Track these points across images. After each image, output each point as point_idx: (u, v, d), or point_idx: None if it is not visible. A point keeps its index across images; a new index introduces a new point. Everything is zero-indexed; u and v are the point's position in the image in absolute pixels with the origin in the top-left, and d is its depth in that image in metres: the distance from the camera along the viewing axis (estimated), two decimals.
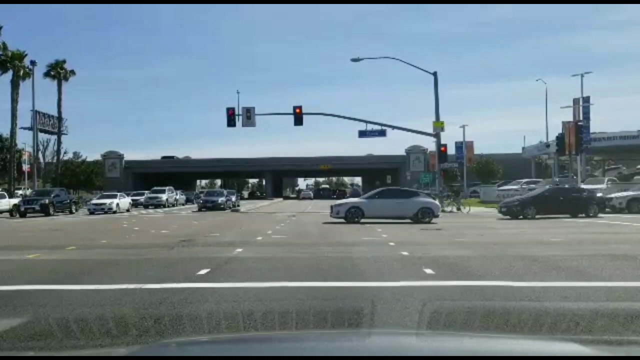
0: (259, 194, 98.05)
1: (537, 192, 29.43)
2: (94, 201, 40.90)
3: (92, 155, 77.50)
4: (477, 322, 5.68)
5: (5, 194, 40.26)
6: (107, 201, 39.66)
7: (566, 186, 32.66)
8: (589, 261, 10.37)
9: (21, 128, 52.79)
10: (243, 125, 35.01)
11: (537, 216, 25.85)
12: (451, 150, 47.86)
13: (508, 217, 26.30)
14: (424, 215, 24.05)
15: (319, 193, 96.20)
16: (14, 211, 36.02)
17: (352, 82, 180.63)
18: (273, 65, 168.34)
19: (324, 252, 12.57)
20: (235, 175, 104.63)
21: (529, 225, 21.46)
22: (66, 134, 60.50)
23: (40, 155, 63.11)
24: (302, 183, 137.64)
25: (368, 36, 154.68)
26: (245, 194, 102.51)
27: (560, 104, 54.15)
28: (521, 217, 25.95)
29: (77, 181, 56.59)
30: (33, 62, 49.62)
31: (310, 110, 37.04)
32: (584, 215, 25.89)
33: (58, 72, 55.98)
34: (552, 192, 28.75)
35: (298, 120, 34.89)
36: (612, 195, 29.65)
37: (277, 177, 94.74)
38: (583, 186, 32.38)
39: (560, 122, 39.49)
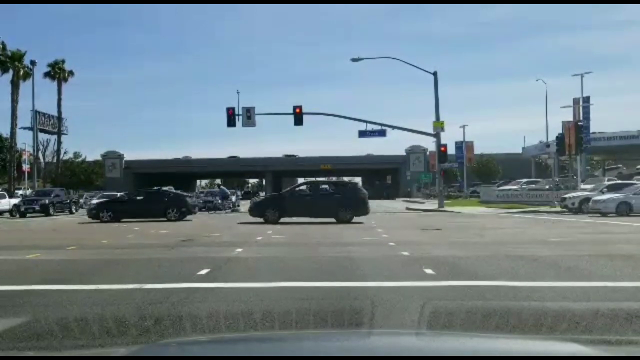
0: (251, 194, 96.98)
1: (118, 197, 32.13)
2: (95, 201, 40.89)
3: (92, 155, 77.45)
4: (477, 322, 5.67)
5: (5, 194, 40.25)
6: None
7: (153, 190, 33.73)
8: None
9: (21, 128, 52.91)
10: (243, 125, 35.03)
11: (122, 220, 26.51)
12: (451, 150, 47.91)
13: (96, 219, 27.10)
14: None
15: None
16: (14, 211, 36.01)
17: (352, 82, 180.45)
18: (273, 65, 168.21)
19: (324, 252, 12.56)
20: (235, 175, 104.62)
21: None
22: (66, 134, 60.64)
23: (40, 155, 63.09)
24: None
25: (368, 36, 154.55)
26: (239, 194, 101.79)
27: (560, 104, 54.10)
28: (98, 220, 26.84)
29: (77, 181, 56.61)
30: (33, 62, 49.64)
31: (310, 110, 37.08)
32: (165, 219, 26.63)
33: (57, 72, 56.05)
34: (138, 195, 30.61)
35: (298, 120, 34.90)
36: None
37: (277, 177, 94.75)
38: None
39: (560, 122, 39.51)
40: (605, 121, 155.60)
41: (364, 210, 24.40)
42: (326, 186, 28.28)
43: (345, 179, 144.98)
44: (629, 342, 4.82)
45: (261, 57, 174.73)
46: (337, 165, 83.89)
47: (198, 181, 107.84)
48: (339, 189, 26.27)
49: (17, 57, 50.11)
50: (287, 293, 7.45)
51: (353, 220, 23.63)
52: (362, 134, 36.79)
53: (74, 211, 39.30)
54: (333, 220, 23.61)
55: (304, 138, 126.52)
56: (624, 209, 24.21)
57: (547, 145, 53.49)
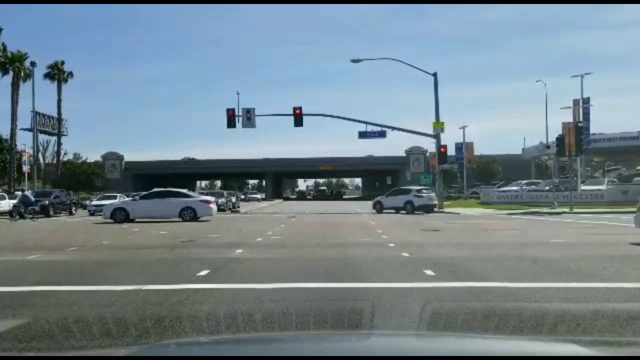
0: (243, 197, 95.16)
1: None
2: (94, 202, 40.86)
3: (92, 156, 77.36)
4: (477, 323, 5.67)
5: (5, 195, 40.24)
6: (107, 202, 39.66)
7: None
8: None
9: (21, 129, 52.92)
10: (243, 126, 35.05)
11: None
12: (451, 151, 47.95)
13: None
14: None
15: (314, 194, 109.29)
16: (13, 212, 36.00)
17: (352, 82, 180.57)
18: (273, 65, 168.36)
19: (324, 253, 12.56)
20: (235, 176, 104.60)
21: None
22: (66, 135, 60.66)
23: (40, 156, 63.10)
24: (302, 184, 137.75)
25: (368, 36, 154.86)
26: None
27: (560, 104, 54.18)
28: None
29: (77, 182, 56.52)
30: (33, 64, 49.59)
31: (310, 110, 37.14)
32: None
33: (57, 73, 56.09)
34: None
35: (298, 122, 34.92)
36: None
37: (277, 178, 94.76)
38: None
39: (560, 123, 39.51)
40: (605, 122, 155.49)
41: None
42: None
43: (347, 180, 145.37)
44: (628, 343, 4.81)
45: (261, 57, 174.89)
46: (337, 167, 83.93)
47: (198, 182, 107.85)
48: None
49: (18, 58, 50.10)
50: (286, 294, 7.44)
51: None
52: (362, 135, 36.84)
53: (73, 212, 39.30)
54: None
55: (304, 139, 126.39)
56: (119, 216, 26.91)
57: (547, 146, 53.47)
